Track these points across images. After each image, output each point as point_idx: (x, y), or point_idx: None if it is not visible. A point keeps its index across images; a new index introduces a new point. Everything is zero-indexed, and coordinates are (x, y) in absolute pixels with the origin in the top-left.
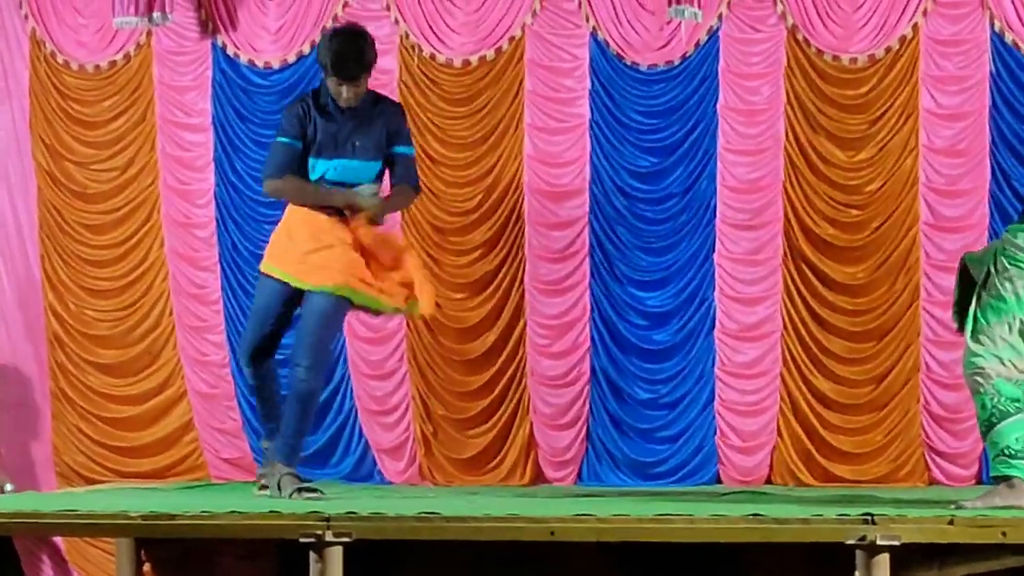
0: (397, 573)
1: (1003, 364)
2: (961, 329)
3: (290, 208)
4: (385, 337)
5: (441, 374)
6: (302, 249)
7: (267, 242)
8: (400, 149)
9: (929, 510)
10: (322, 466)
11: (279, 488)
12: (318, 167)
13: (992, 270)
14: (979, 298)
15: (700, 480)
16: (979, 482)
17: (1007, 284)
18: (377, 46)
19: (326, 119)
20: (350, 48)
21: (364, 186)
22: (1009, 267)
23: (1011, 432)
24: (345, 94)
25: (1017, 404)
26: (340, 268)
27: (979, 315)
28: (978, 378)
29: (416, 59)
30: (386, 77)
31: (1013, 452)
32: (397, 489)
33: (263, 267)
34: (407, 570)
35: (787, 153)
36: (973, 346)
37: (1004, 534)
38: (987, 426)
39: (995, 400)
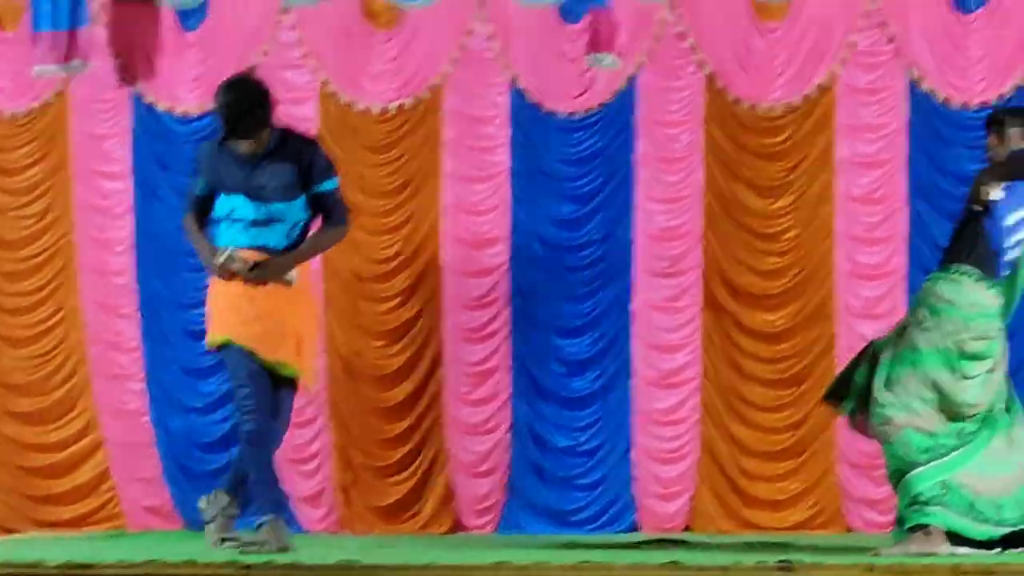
0: None
1: (913, 414)
2: (828, 399)
3: None
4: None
5: (360, 422)
6: (212, 308)
7: (188, 290)
8: (318, 188)
9: (847, 558)
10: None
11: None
12: (225, 204)
13: (909, 320)
14: (894, 348)
15: (619, 528)
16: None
17: (923, 335)
18: (296, 94)
19: (232, 160)
20: (238, 107)
21: (237, 251)
22: (928, 317)
23: (922, 481)
24: (242, 148)
25: (927, 454)
26: (226, 320)
27: (892, 365)
28: (887, 428)
29: (335, 107)
30: (306, 125)
31: (926, 500)
32: (316, 538)
33: None
34: None
35: (706, 201)
36: (883, 396)
37: None
38: (897, 476)
39: (905, 450)
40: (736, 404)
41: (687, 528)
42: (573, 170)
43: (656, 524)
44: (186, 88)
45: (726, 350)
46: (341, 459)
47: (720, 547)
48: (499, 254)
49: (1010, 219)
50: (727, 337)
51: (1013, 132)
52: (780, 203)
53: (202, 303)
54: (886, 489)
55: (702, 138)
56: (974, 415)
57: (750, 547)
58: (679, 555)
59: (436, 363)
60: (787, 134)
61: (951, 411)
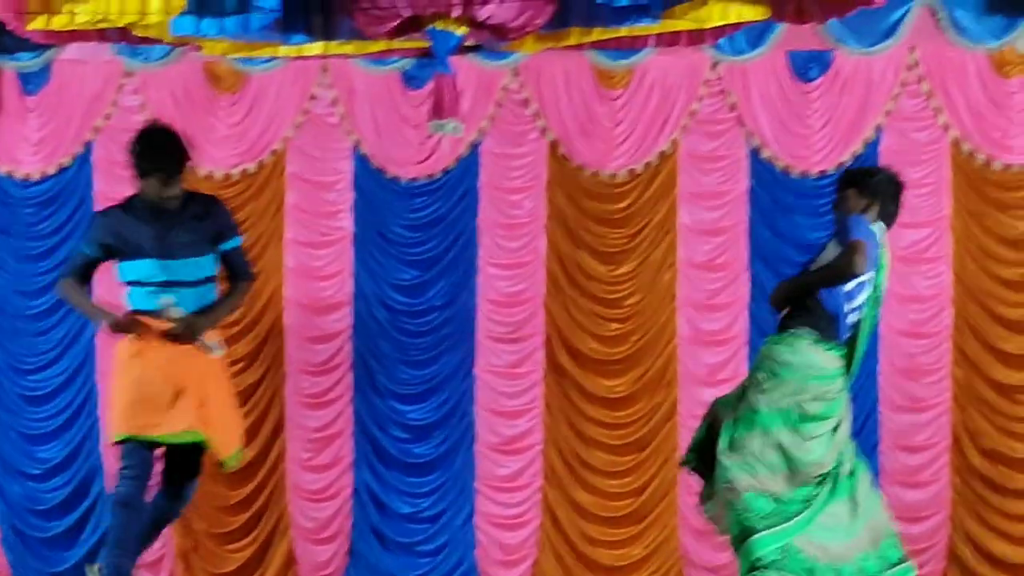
0: None
1: (753, 477)
2: (687, 464)
3: None
4: None
5: (202, 488)
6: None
7: (27, 356)
8: (227, 245)
9: None
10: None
11: None
12: (137, 268)
13: (749, 382)
14: (735, 411)
15: None
16: None
17: (763, 396)
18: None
19: (141, 223)
20: (174, 145)
21: (169, 300)
22: (767, 379)
23: (762, 546)
24: (168, 191)
25: (767, 520)
26: (121, 411)
27: (735, 428)
28: (728, 492)
29: None
30: None
31: (765, 565)
32: None
33: None
34: None
35: (548, 267)
36: (726, 460)
37: None
38: (739, 540)
39: (746, 515)
40: (578, 470)
41: None
42: (416, 235)
43: None
44: (27, 152)
45: (568, 416)
46: (182, 525)
47: None
48: (341, 319)
49: (849, 285)
50: (569, 403)
51: (849, 194)
52: (622, 269)
53: (41, 368)
54: (727, 555)
55: (544, 204)
56: (820, 475)
57: None
58: None
59: (278, 428)
60: (629, 200)
61: (798, 474)
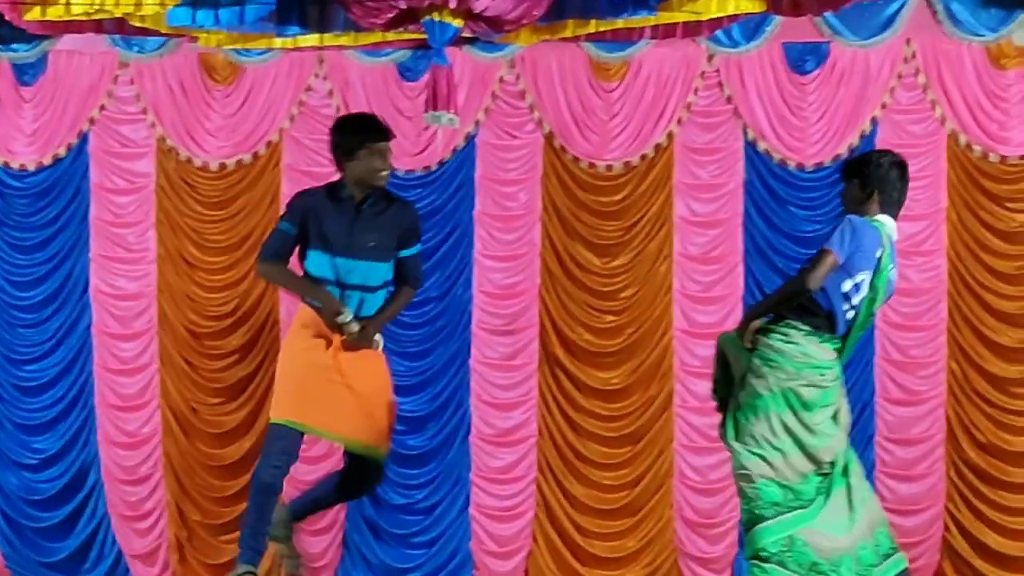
0: None
1: (767, 464)
2: (720, 409)
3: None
4: (140, 442)
5: (197, 479)
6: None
7: (22, 347)
8: (410, 251)
9: None
10: (74, 572)
11: None
12: (322, 263)
13: (747, 370)
14: (736, 400)
15: None
16: None
17: (759, 382)
18: (134, 150)
19: (339, 214)
20: (371, 118)
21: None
22: (763, 365)
23: (767, 536)
24: (384, 167)
25: (776, 507)
26: (292, 398)
27: (739, 417)
28: (742, 479)
29: (173, 162)
30: (143, 180)
31: (767, 556)
32: None
33: None
34: None
35: (543, 259)
36: (737, 446)
37: None
38: (745, 527)
39: (754, 503)
40: (573, 462)
41: None
42: None
43: None
44: (22, 142)
45: (563, 408)
46: (177, 516)
47: None
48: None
49: (845, 286)
50: (564, 395)
51: (852, 184)
52: (618, 261)
53: (36, 359)
54: (721, 547)
55: (540, 197)
56: (830, 462)
57: None
58: None
59: None
60: (625, 193)
61: (809, 459)
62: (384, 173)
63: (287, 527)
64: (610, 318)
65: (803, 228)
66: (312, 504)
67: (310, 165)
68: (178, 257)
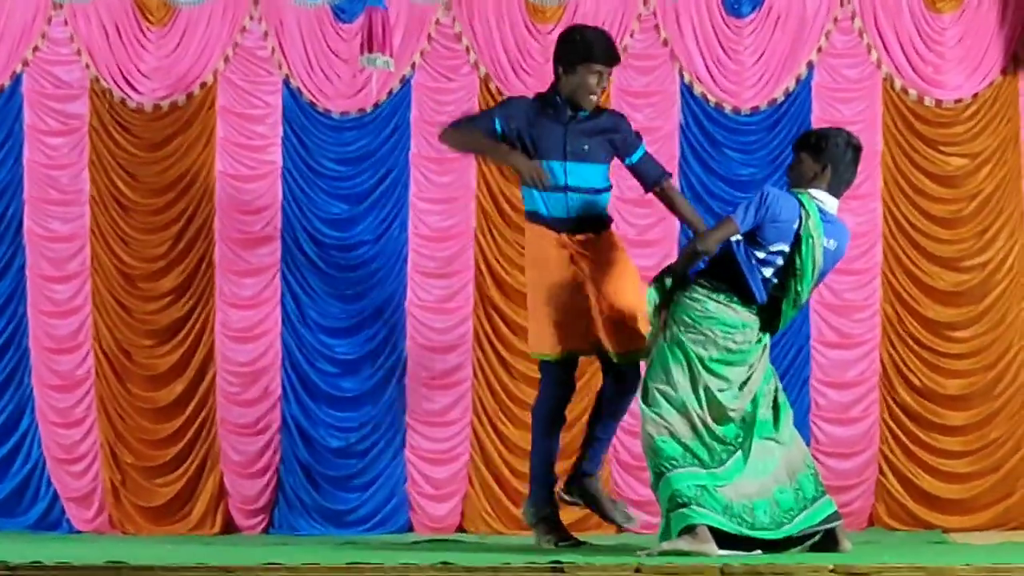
0: None
1: (662, 422)
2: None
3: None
4: (74, 384)
5: (130, 422)
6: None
7: None
8: (639, 153)
9: (617, 558)
10: (9, 515)
11: None
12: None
13: (661, 329)
14: (648, 360)
15: (393, 528)
16: None
17: (662, 335)
18: (67, 91)
19: (554, 122)
20: (605, 35)
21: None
22: (675, 322)
23: (677, 483)
24: (595, 87)
25: (674, 461)
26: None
27: (646, 378)
28: (645, 441)
29: (107, 104)
30: (76, 122)
31: (687, 500)
32: (85, 538)
33: None
34: None
35: (479, 202)
36: (643, 407)
37: None
38: (653, 485)
39: (655, 460)
40: (508, 405)
41: (460, 528)
42: (346, 169)
43: (429, 524)
44: None
45: (498, 350)
46: (111, 459)
47: (492, 548)
48: (271, 253)
49: (759, 254)
50: (499, 338)
51: (803, 157)
52: None
53: None
54: None
55: None
56: (732, 419)
57: (522, 548)
58: (450, 556)
59: (207, 362)
60: None
61: (702, 415)
62: (593, 97)
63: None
64: None
65: (738, 172)
66: (592, 447)
67: (245, 107)
68: (111, 199)
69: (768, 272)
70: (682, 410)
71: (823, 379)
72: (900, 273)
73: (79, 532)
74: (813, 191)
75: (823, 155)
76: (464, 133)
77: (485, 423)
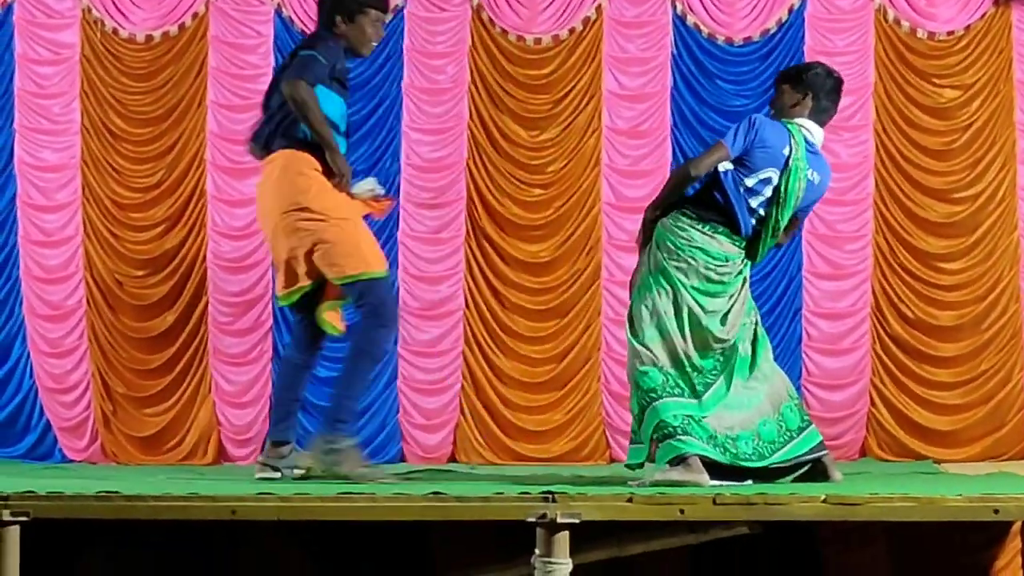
0: (82, 553)
1: (646, 352)
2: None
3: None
4: (65, 314)
5: (122, 352)
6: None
7: None
8: None
9: (610, 488)
10: (2, 445)
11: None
12: (337, 104)
13: (641, 259)
14: (631, 288)
15: (385, 458)
16: None
17: (643, 267)
18: (58, 20)
19: (345, 59)
20: None
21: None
22: (659, 248)
23: (664, 412)
24: (376, 36)
25: (652, 394)
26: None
27: (631, 308)
28: (629, 368)
29: (99, 34)
30: (67, 52)
31: (673, 429)
32: (78, 468)
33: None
34: (93, 551)
35: (471, 132)
36: (629, 337)
37: (682, 511)
38: (637, 420)
39: (639, 390)
40: (499, 335)
41: (452, 459)
42: None
43: (421, 455)
44: None
45: (490, 281)
46: (102, 389)
47: (484, 478)
48: None
49: (748, 181)
50: (491, 268)
51: (784, 89)
52: (545, 135)
53: None
54: None
55: (468, 70)
56: (713, 349)
57: (514, 479)
58: (442, 486)
59: (199, 292)
60: (553, 66)
61: (696, 341)
62: (374, 44)
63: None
64: (538, 191)
65: (731, 103)
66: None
67: (237, 37)
68: (103, 128)
69: (755, 203)
70: (665, 337)
71: (815, 310)
72: (892, 204)
73: (71, 461)
74: (799, 120)
75: (803, 84)
76: (312, 99)
77: (476, 353)
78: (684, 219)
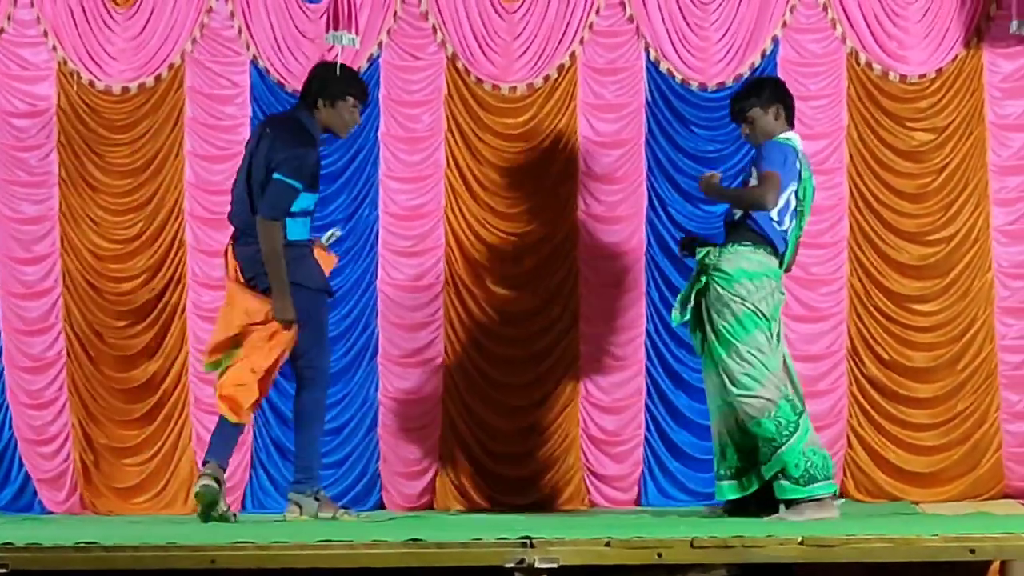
0: None
1: (765, 392)
2: (679, 322)
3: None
4: (45, 366)
5: (102, 403)
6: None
7: None
8: None
9: (587, 532)
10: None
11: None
12: (307, 200)
13: (711, 305)
14: (717, 334)
15: (365, 506)
16: (637, 504)
17: (727, 311)
18: (34, 73)
19: (314, 152)
20: (354, 73)
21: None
22: (723, 292)
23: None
24: (353, 123)
25: (792, 425)
26: None
27: (727, 362)
28: (749, 421)
29: (75, 86)
30: (44, 104)
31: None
32: (57, 519)
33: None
34: None
35: (448, 180)
36: (736, 393)
37: (660, 555)
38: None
39: (777, 435)
40: (479, 382)
41: (431, 506)
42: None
43: (401, 503)
44: None
45: (469, 329)
46: (83, 440)
47: (463, 524)
48: None
49: (779, 202)
50: (470, 316)
51: (755, 114)
52: (522, 182)
53: None
54: (626, 465)
55: (444, 118)
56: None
57: (494, 525)
58: (421, 532)
59: (180, 343)
60: (529, 114)
61: (781, 367)
62: (351, 129)
63: None
64: (514, 239)
65: (705, 148)
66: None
67: (213, 88)
68: (80, 180)
69: (785, 217)
70: (767, 368)
71: (791, 352)
72: (867, 247)
73: (51, 513)
74: (789, 133)
75: (769, 98)
76: (279, 238)
77: (456, 400)
78: (741, 248)
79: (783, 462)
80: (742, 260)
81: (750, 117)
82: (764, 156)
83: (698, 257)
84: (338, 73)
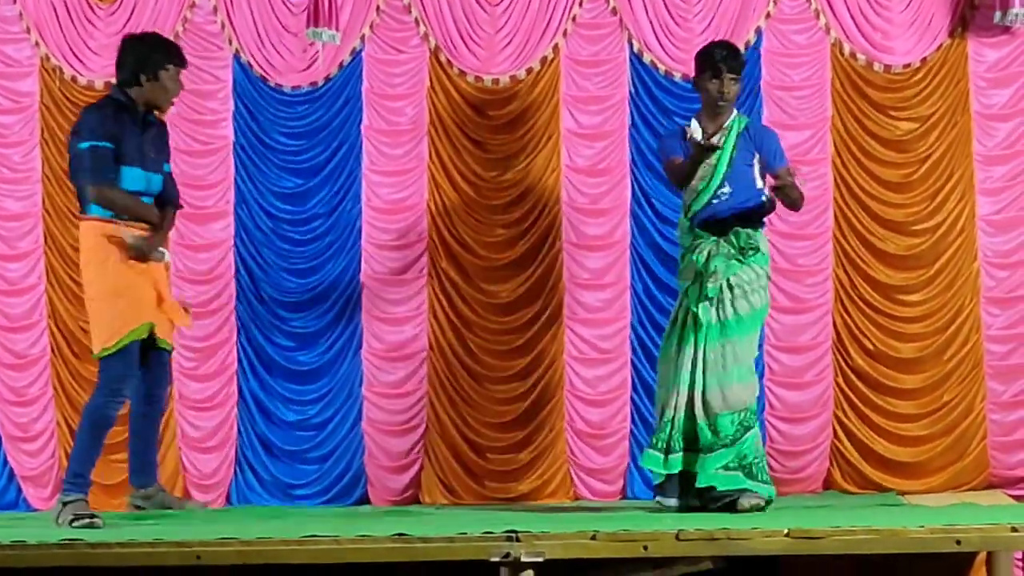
0: None
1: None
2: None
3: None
4: (29, 363)
5: (87, 400)
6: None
7: None
8: (168, 167)
9: (572, 525)
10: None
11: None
12: (134, 178)
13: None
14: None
15: (350, 500)
16: (623, 496)
17: (755, 297)
18: (17, 69)
19: (132, 129)
20: (177, 45)
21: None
22: (760, 273)
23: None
24: (176, 91)
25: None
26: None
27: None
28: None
29: (57, 81)
30: (27, 100)
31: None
32: (41, 516)
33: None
34: None
35: (431, 173)
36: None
37: (646, 548)
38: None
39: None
40: (463, 375)
41: (417, 500)
42: (298, 143)
43: (386, 497)
44: None
45: (453, 322)
46: (67, 437)
47: (448, 518)
48: (224, 228)
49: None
50: (454, 309)
51: (711, 85)
52: (506, 175)
53: None
54: (612, 458)
55: (427, 111)
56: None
57: (479, 519)
58: (406, 527)
59: None
60: (512, 107)
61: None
62: (173, 98)
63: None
64: (499, 231)
65: None
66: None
67: (195, 82)
68: (64, 176)
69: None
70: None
71: (776, 344)
72: (852, 237)
73: (36, 510)
74: None
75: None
76: (114, 193)
77: (441, 394)
78: (758, 234)
79: (724, 458)
80: (766, 246)
81: (735, 85)
82: (776, 149)
83: (735, 239)
84: (153, 44)
